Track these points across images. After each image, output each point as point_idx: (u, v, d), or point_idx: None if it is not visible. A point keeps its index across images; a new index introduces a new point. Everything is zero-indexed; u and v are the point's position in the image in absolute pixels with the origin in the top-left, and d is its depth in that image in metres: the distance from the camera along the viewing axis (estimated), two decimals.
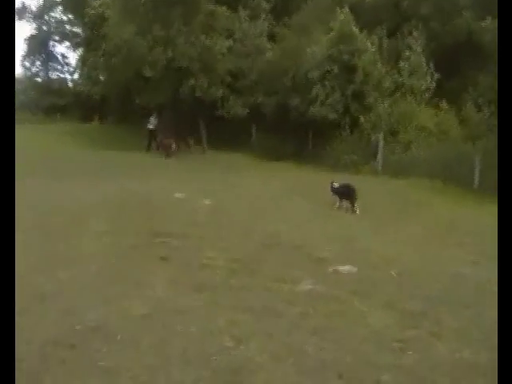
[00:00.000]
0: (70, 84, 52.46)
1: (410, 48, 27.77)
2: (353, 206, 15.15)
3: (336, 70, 25.97)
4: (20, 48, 49.78)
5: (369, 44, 26.88)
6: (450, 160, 21.49)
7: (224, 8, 28.17)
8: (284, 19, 33.15)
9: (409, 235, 12.31)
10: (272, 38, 32.09)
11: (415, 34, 27.61)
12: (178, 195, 14.17)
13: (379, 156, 24.13)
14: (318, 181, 19.94)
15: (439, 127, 24.76)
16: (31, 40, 50.16)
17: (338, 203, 15.57)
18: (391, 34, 29.76)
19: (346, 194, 15.44)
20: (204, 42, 26.70)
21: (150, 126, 30.19)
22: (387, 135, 24.51)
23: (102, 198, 13.28)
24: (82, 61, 42.04)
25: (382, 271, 8.72)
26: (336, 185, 15.87)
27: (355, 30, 26.46)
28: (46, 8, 49.19)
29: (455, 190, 19.56)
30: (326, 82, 26.06)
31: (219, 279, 7.67)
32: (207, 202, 13.47)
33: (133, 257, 8.51)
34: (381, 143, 24.12)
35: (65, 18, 49.37)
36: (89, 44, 37.84)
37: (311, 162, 25.95)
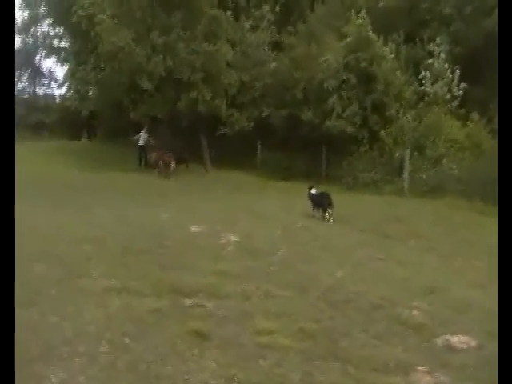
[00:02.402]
0: (58, 100, 49.61)
1: (431, 54, 25.34)
2: (324, 213, 14.87)
3: (353, 79, 23.47)
4: None
5: (387, 50, 24.43)
6: (488, 176, 18.87)
7: (228, 13, 25.54)
8: (287, 28, 30.65)
9: (488, 273, 9.68)
10: (276, 47, 29.57)
11: (438, 39, 25.11)
12: (194, 229, 11.47)
13: (405, 174, 21.50)
14: (345, 203, 17.63)
15: (470, 140, 22.18)
16: (17, 54, 47.19)
17: (313, 211, 15.29)
18: (408, 41, 27.30)
19: (320, 201, 15.16)
20: (207, 49, 23.99)
21: (141, 142, 27.87)
22: (413, 150, 21.91)
23: (101, 233, 10.51)
24: (71, 74, 39.28)
25: None
26: (314, 191, 15.62)
27: (373, 35, 23.96)
28: (32, 20, 46.35)
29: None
30: (343, 93, 23.53)
31: (294, 374, 5.04)
32: (233, 237, 10.74)
33: (156, 333, 5.82)
34: (406, 159, 21.52)
35: (52, 31, 46.56)
36: (78, 56, 35.09)
37: (326, 181, 23.30)
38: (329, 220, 14.72)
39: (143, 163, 27.84)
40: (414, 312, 7.01)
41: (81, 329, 5.77)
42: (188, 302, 6.81)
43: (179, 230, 11.32)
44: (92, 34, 26.05)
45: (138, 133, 28.13)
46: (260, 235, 11.37)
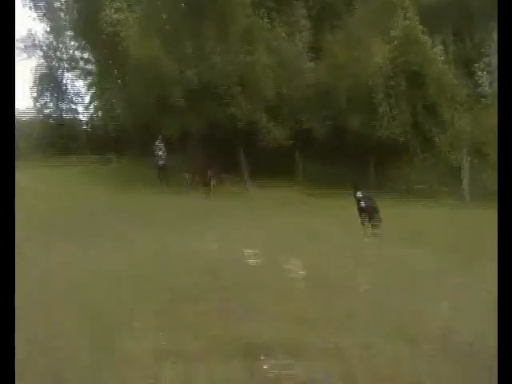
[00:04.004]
0: (84, 126, 48.17)
1: (484, 54, 23.52)
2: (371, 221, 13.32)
3: (403, 83, 21.62)
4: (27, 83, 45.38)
5: (437, 52, 22.60)
6: None
7: (266, 20, 23.88)
8: (324, 34, 28.74)
9: None
10: (313, 54, 27.69)
11: (494, 35, 23.22)
12: (251, 260, 9.68)
13: (465, 181, 19.59)
14: (407, 217, 15.87)
15: None
16: (43, 76, 45.70)
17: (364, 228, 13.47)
18: (457, 39, 25.46)
19: (367, 207, 13.60)
20: (244, 58, 22.33)
21: (160, 162, 26.14)
22: (472, 156, 20.01)
23: (142, 272, 8.76)
24: (98, 94, 37.99)
25: None
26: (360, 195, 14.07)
27: (423, 36, 22.18)
28: (58, 42, 45.13)
29: None
30: (392, 99, 21.70)
31: None
32: (300, 270, 8.92)
33: None
34: (466, 166, 19.63)
35: (78, 54, 45.34)
36: (104, 75, 33.65)
37: (376, 192, 21.11)
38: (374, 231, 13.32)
39: (165, 182, 26.10)
40: None
41: None
42: (266, 365, 5.03)
43: (234, 263, 9.52)
44: (119, 48, 24.53)
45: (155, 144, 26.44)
46: (330, 265, 9.51)
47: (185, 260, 9.74)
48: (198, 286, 7.85)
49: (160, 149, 26.03)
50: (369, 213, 13.60)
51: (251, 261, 9.67)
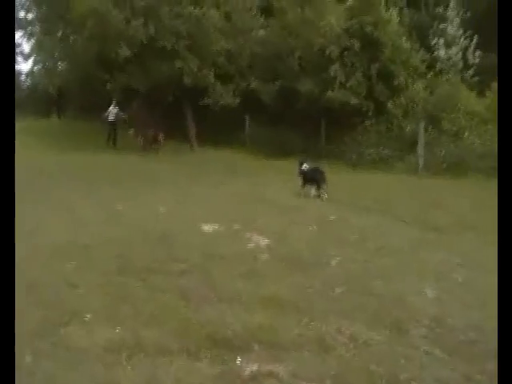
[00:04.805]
0: (24, 77, 46.39)
1: (440, 19, 23.04)
2: (319, 190, 13.32)
3: (357, 45, 20.88)
4: None
5: (392, 14, 21.90)
6: None
7: None
8: None
9: None
10: (265, 12, 26.66)
11: (452, 3, 22.74)
12: (206, 228, 8.88)
13: (419, 149, 19.10)
14: (361, 184, 15.35)
15: (491, 112, 19.73)
16: None
17: (303, 188, 13.66)
18: (411, 4, 24.89)
19: (314, 177, 13.52)
20: (193, 12, 21.17)
21: (111, 117, 25.37)
22: (426, 123, 19.54)
23: (88, 240, 7.87)
24: (38, 47, 36.04)
25: None
26: (306, 166, 13.82)
27: None
28: None
29: None
30: (346, 60, 20.96)
31: None
32: (262, 240, 8.16)
33: None
34: (421, 133, 19.12)
35: (17, 1, 43.03)
36: (45, 26, 31.69)
37: (326, 158, 20.48)
38: (322, 198, 13.21)
39: (112, 141, 25.60)
40: None
41: None
42: (245, 365, 4.27)
43: (188, 230, 8.70)
44: None
45: (108, 108, 25.70)
46: (293, 235, 8.70)
47: (134, 225, 9.01)
48: (150, 257, 7.05)
49: (112, 108, 25.35)
50: (314, 176, 13.48)
51: (206, 227, 8.90)
